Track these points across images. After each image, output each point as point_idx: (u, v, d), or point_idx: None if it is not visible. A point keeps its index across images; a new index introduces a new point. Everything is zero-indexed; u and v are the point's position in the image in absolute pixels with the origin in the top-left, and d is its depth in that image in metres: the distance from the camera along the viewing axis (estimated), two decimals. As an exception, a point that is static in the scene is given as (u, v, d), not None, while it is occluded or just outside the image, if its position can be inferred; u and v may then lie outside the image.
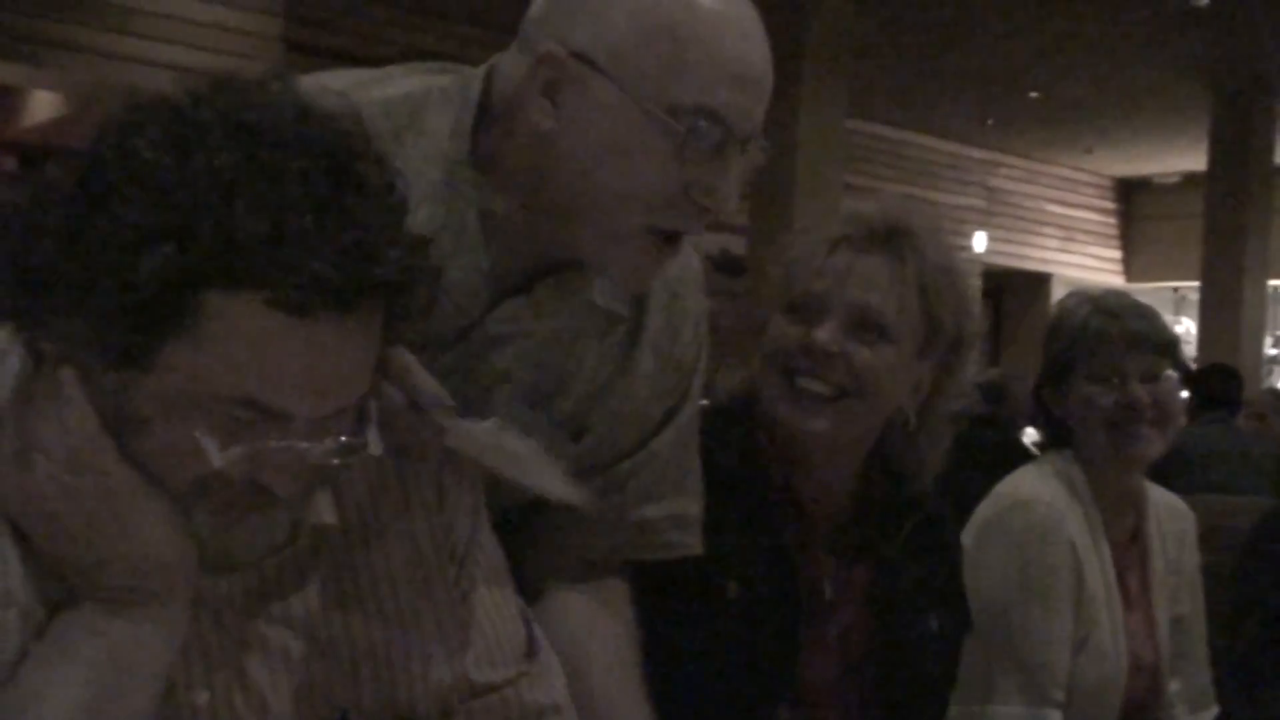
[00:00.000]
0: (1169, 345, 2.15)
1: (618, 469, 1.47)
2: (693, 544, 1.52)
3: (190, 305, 0.89)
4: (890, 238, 1.62)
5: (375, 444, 1.01)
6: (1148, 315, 2.16)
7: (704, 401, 1.63)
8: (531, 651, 1.22)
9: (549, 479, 1.29)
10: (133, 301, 0.88)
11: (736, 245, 8.86)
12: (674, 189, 1.25)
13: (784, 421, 1.63)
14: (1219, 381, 6.04)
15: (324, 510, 1.08)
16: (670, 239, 1.31)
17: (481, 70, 1.38)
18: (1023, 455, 4.57)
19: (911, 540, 1.72)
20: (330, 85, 1.28)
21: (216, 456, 0.93)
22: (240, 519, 1.01)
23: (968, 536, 2.07)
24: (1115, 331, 2.11)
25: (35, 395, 0.96)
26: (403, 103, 1.36)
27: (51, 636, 0.96)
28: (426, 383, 1.20)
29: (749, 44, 1.26)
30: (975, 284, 12.88)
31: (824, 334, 1.59)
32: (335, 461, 0.98)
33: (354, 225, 0.91)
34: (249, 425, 0.93)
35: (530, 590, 1.36)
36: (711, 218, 1.30)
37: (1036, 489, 2.13)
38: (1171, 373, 2.13)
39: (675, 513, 1.50)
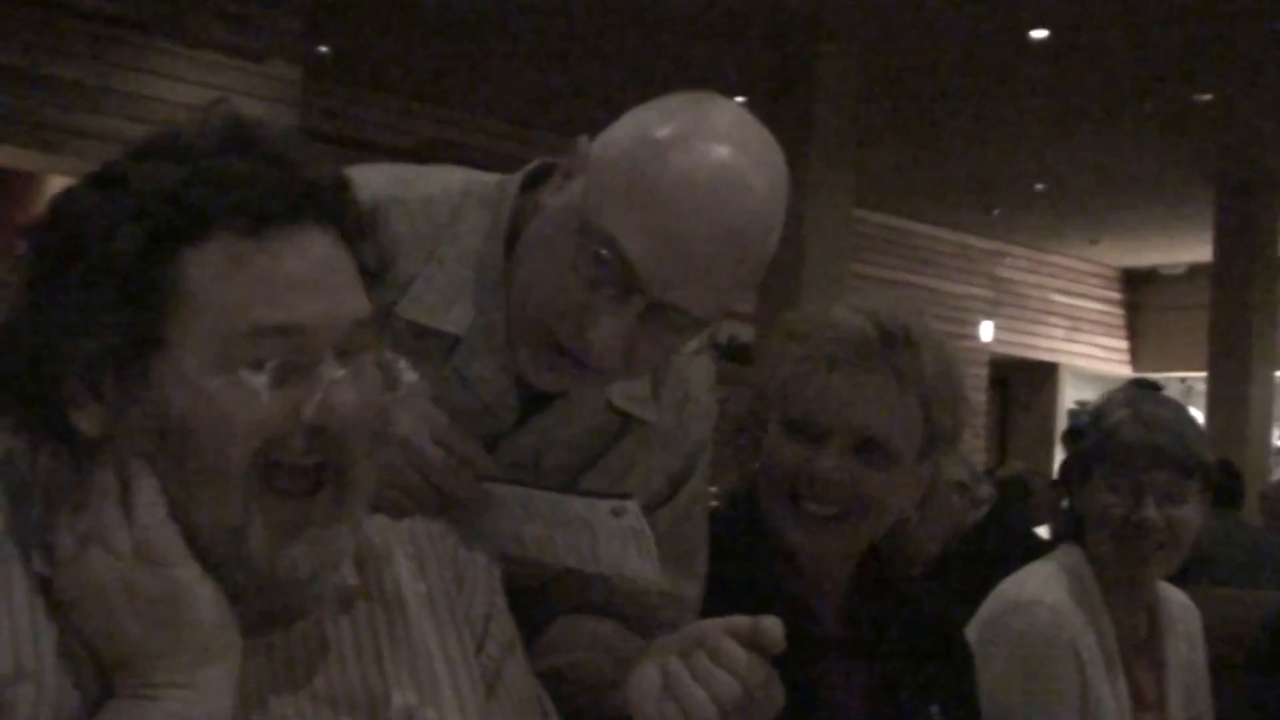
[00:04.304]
0: (1198, 468, 2.05)
1: None
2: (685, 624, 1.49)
3: (170, 271, 0.96)
4: (887, 352, 1.59)
5: (410, 373, 1.09)
6: (1184, 432, 2.06)
7: (713, 503, 1.63)
8: None
9: (624, 557, 1.29)
10: (120, 279, 0.95)
11: (745, 333, 8.89)
12: (570, 302, 1.25)
13: (789, 541, 1.62)
14: (1222, 478, 6.01)
15: (347, 573, 1.09)
16: (575, 360, 1.29)
17: (519, 175, 1.41)
18: (1041, 551, 4.50)
19: (910, 632, 1.70)
20: (370, 180, 1.30)
21: (266, 392, 0.96)
22: (294, 538, 1.00)
23: (971, 633, 2.02)
24: (1140, 445, 2.03)
25: (91, 488, 0.98)
26: (443, 201, 1.39)
27: None
28: (475, 450, 1.28)
29: (704, 228, 1.22)
30: (979, 373, 12.94)
31: (828, 461, 1.57)
32: (383, 397, 1.03)
33: (271, 155, 1.00)
34: (280, 366, 0.97)
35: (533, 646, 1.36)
36: (585, 355, 1.27)
37: (1039, 590, 2.07)
38: (1193, 499, 2.04)
39: (672, 590, 1.49)
